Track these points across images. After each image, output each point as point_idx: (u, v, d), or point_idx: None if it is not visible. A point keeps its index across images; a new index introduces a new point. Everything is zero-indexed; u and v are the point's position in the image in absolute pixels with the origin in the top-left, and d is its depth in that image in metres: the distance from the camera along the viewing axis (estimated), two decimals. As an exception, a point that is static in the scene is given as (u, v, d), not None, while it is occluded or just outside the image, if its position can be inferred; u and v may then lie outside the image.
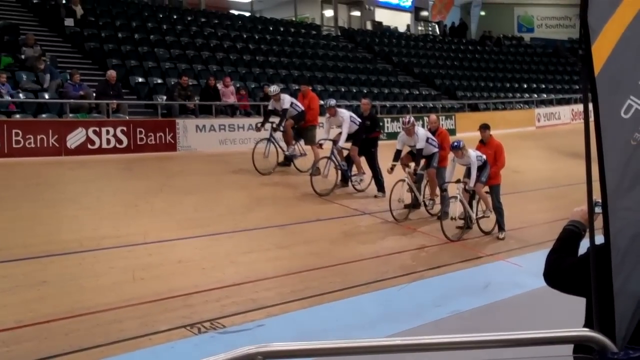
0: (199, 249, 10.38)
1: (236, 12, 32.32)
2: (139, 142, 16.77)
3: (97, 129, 16.34)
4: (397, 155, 13.39)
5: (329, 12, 37.00)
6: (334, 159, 14.59)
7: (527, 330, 2.92)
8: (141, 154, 15.04)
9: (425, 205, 13.75)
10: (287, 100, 15.66)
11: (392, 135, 22.69)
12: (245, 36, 26.61)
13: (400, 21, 38.56)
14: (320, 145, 14.86)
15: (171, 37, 23.73)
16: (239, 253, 10.28)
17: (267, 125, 15.67)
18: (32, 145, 15.34)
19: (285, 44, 27.60)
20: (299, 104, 16.01)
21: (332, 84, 25.43)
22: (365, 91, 25.38)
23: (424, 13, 40.96)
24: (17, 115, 16.11)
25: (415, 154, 13.56)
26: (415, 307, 8.94)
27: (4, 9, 21.15)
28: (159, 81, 20.39)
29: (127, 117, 17.62)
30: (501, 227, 12.76)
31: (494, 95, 30.72)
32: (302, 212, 12.84)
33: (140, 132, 16.87)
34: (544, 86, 33.80)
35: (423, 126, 16.83)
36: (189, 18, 26.40)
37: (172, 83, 19.88)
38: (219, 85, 20.00)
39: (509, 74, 34.22)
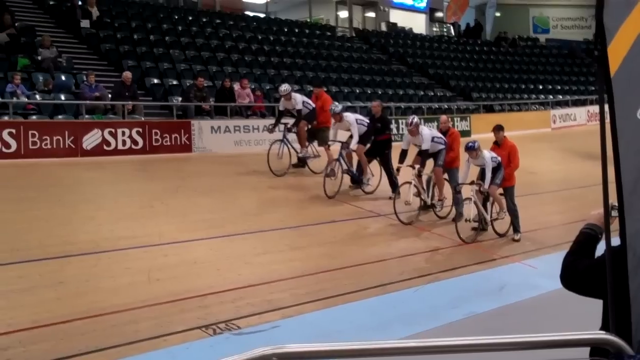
0: (214, 250, 10.41)
1: (251, 14, 32.35)
2: (154, 144, 16.84)
3: (113, 130, 16.42)
4: (403, 156, 13.28)
5: (343, 14, 36.95)
6: (342, 161, 14.45)
7: (543, 333, 2.91)
8: (157, 155, 15.12)
9: (434, 207, 13.59)
10: (299, 99, 15.56)
11: (407, 137, 22.73)
12: (260, 37, 26.66)
13: (415, 22, 38.48)
14: (329, 147, 14.73)
15: (186, 38, 23.80)
16: (253, 254, 10.30)
17: (281, 127, 15.60)
18: (48, 146, 15.44)
19: (299, 45, 27.62)
20: (310, 102, 15.90)
21: (346, 85, 25.43)
22: (379, 92, 25.39)
23: (439, 14, 40.85)
24: (34, 117, 16.21)
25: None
26: (430, 309, 8.93)
27: (20, 10, 21.27)
28: (175, 82, 20.46)
29: (143, 119, 17.69)
30: (516, 229, 12.69)
31: (509, 97, 30.61)
32: (316, 214, 12.84)
33: (156, 134, 16.95)
34: (559, 87, 33.66)
35: (438, 128, 16.40)
36: (204, 19, 26.47)
37: (188, 84, 19.93)
38: (235, 87, 20.04)
39: (525, 75, 34.10)
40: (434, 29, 40.30)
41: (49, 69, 17.84)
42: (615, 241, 2.89)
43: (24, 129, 15.28)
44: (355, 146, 14.30)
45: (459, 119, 25.19)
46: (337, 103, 15.78)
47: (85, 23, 21.40)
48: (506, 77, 32.94)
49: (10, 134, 15.04)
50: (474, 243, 12.24)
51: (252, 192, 13.53)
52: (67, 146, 15.66)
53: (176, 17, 25.45)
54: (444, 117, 15.28)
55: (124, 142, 16.52)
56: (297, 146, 15.79)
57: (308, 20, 34.37)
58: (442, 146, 13.41)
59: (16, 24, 19.35)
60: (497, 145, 13.00)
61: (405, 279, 9.74)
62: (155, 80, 20.21)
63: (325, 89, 18.39)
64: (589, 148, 21.27)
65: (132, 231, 10.74)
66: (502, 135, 13.05)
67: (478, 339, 3.01)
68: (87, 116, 16.82)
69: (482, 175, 12.49)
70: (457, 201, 12.93)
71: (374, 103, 16.30)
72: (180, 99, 19.30)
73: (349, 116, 14.69)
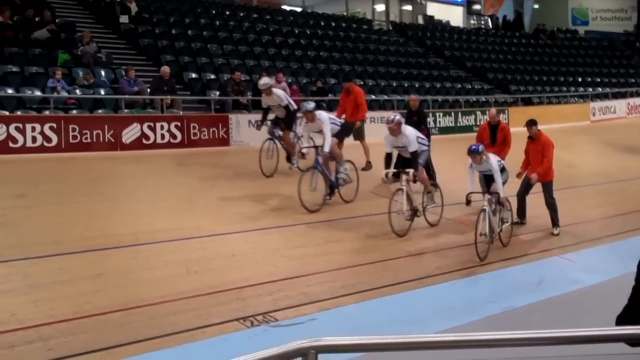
0: (251, 242, 10.47)
1: (288, 8, 32.40)
2: (192, 137, 16.97)
3: (152, 124, 16.58)
4: (388, 160, 11.94)
5: (380, 7, 36.85)
6: (319, 168, 12.74)
7: (582, 328, 2.89)
8: (194, 149, 15.24)
9: (424, 212, 12.29)
10: (282, 95, 14.48)
11: (444, 130, 22.65)
12: (297, 31, 26.72)
13: (452, 15, 38.27)
14: (303, 155, 13.03)
15: (224, 33, 23.94)
16: (290, 247, 10.34)
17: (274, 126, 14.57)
18: (88, 140, 15.64)
19: (336, 39, 27.61)
20: (291, 101, 14.63)
21: (383, 78, 25.39)
22: (416, 86, 25.31)
23: (476, 6, 40.56)
24: (74, 111, 16.43)
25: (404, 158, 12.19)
26: (467, 303, 8.90)
27: (61, 7, 21.58)
28: (212, 77, 20.59)
29: (181, 113, 17.83)
30: (555, 223, 12.51)
31: (548, 89, 30.31)
32: (352, 208, 12.84)
33: (194, 128, 17.08)
34: (599, 80, 33.23)
35: (486, 121, 15.86)
36: (242, 14, 26.59)
37: (225, 78, 20.04)
38: (272, 81, 20.09)
39: (563, 67, 33.74)
40: (472, 21, 40.03)
41: (88, 64, 18.06)
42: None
43: (65, 123, 15.49)
44: (328, 148, 12.64)
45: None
46: (309, 102, 13.76)
47: (124, 18, 21.64)
48: (545, 70, 32.61)
49: (51, 128, 15.26)
50: (510, 237, 12.12)
51: (287, 185, 13.56)
52: (106, 140, 15.85)
53: (214, 12, 25.60)
54: (493, 111, 14.83)
55: (162, 136, 16.67)
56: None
57: (345, 13, 34.33)
58: (425, 147, 12.28)
59: (56, 20, 19.62)
60: (532, 140, 12.70)
61: (441, 273, 9.71)
62: (193, 75, 20.35)
63: (354, 82, 17.85)
64: (629, 141, 21.14)
65: (170, 224, 10.84)
66: (536, 129, 12.71)
67: (516, 334, 2.99)
68: (126, 110, 17.01)
69: (487, 182, 11.69)
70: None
71: (411, 96, 16.04)
72: (217, 93, 19.42)
73: (322, 115, 13.12)
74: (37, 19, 18.76)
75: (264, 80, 14.67)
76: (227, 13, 26.15)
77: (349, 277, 9.42)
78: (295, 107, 14.48)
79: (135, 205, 11.64)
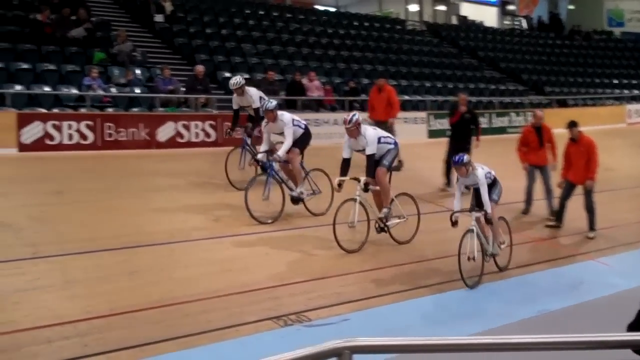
0: (285, 242, 10.49)
1: (321, 8, 32.50)
2: (225, 136, 17.05)
3: (186, 122, 16.74)
4: (345, 167, 10.50)
5: (413, 7, 36.78)
6: (274, 175, 11.54)
7: (617, 333, 2.88)
8: (229, 147, 15.25)
9: (383, 226, 10.80)
10: (254, 94, 13.18)
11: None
12: (330, 31, 26.75)
13: (486, 15, 38.07)
14: (257, 162, 12.05)
15: (257, 32, 24.06)
16: (323, 247, 10.32)
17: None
18: (124, 138, 15.84)
19: (369, 39, 27.62)
20: (266, 98, 13.08)
21: (417, 79, 25.34)
22: (450, 86, 25.26)
23: (511, 7, 40.30)
24: (110, 109, 16.62)
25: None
26: (501, 305, 8.85)
27: (97, 6, 21.84)
28: (246, 76, 20.63)
29: (215, 112, 17.94)
30: (592, 227, 12.30)
31: (584, 91, 30.03)
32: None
33: (228, 126, 17.14)
34: (635, 82, 32.85)
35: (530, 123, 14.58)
36: (275, 14, 26.71)
37: (259, 78, 20.12)
38: (304, 80, 20.16)
39: (599, 69, 33.44)
40: (506, 22, 39.78)
41: (124, 62, 18.24)
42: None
43: (101, 121, 15.70)
44: (285, 155, 11.47)
45: (530, 114, 24.80)
46: (271, 100, 12.38)
47: (159, 18, 21.82)
48: (580, 71, 32.34)
49: (87, 126, 15.48)
50: (546, 240, 12.03)
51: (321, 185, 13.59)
52: (142, 138, 16.04)
53: (247, 12, 25.74)
54: (539, 112, 13.89)
55: (196, 135, 16.84)
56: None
57: (378, 13, 34.31)
58: (391, 146, 10.90)
59: (92, 19, 19.84)
60: (574, 142, 12.38)
61: (474, 275, 9.64)
62: (227, 74, 20.44)
63: (386, 80, 17.75)
64: (667, 144, 20.72)
65: (204, 222, 10.92)
66: (577, 130, 12.39)
67: (550, 337, 2.99)
68: (161, 109, 17.17)
69: (476, 197, 10.07)
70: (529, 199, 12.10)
71: (461, 95, 15.31)
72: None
73: (285, 116, 11.86)
74: (73, 17, 18.99)
75: (236, 79, 13.24)
76: (261, 13, 26.28)
77: (382, 278, 9.40)
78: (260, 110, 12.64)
79: (170, 203, 11.73)
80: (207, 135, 16.96)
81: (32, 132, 15.01)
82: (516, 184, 13.18)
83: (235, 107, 13.47)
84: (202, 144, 16.72)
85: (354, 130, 10.44)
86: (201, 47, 21.47)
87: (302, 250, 10.20)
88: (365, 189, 10.36)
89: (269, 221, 11.23)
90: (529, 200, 13.44)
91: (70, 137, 15.34)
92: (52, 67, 17.17)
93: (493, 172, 10.12)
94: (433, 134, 21.74)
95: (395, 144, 10.99)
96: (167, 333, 7.26)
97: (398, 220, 10.92)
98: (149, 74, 18.61)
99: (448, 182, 14.55)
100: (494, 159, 13.38)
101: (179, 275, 8.91)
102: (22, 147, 14.92)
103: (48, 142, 15.17)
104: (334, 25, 27.81)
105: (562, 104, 27.83)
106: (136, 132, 16.04)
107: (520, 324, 7.98)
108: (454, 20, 36.74)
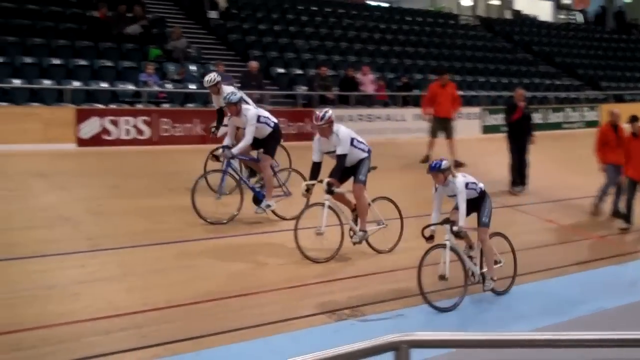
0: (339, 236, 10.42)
1: (374, 3, 32.42)
2: (211, 135, 17.13)
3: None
4: (315, 169, 9.61)
5: (466, 1, 36.47)
6: (231, 171, 10.71)
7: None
8: (283, 143, 15.32)
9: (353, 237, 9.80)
10: (228, 91, 11.33)
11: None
12: (382, 27, 26.68)
13: (540, 9, 37.58)
14: (217, 158, 10.95)
15: (310, 28, 24.12)
16: (376, 242, 10.26)
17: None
18: (180, 133, 16.04)
19: (422, 34, 27.47)
20: (248, 99, 12.06)
21: (470, 74, 25.15)
22: (504, 81, 24.99)
23: (566, 1, 39.70)
24: (166, 105, 16.84)
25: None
26: (558, 303, 8.72)
27: (152, 3, 22.10)
28: (299, 72, 20.76)
29: (269, 107, 18.04)
30: None
31: (641, 86, 29.46)
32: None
33: (282, 122, 17.24)
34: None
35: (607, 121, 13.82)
36: (328, 9, 26.72)
37: (311, 74, 20.18)
38: (358, 75, 20.18)
39: (657, 63, 32.73)
40: (560, 16, 39.21)
41: (179, 59, 18.45)
42: None
43: (157, 116, 15.94)
44: (238, 151, 10.50)
45: (587, 109, 24.45)
46: (235, 90, 11.40)
47: (213, 14, 22.01)
48: (637, 66, 31.68)
49: (144, 121, 15.73)
50: (604, 238, 11.80)
51: (380, 180, 13.54)
52: (197, 133, 16.19)
53: (300, 8, 25.81)
54: (617, 111, 13.24)
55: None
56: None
57: (430, 8, 34.10)
58: (365, 154, 9.76)
59: (148, 16, 20.11)
60: (635, 136, 12.10)
61: (532, 272, 9.53)
62: (280, 70, 20.56)
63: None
64: None
65: (258, 216, 10.94)
66: (639, 125, 12.09)
67: (608, 334, 2.95)
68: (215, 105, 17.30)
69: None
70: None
71: (518, 91, 14.88)
72: (304, 88, 19.58)
73: (250, 111, 10.71)
74: (129, 14, 19.26)
75: (209, 77, 12.13)
76: (314, 9, 26.32)
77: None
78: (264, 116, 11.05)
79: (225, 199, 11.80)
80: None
81: (90, 127, 15.30)
82: (580, 179, 12.94)
83: (215, 106, 12.32)
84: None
85: (326, 129, 9.42)
86: (254, 43, 21.61)
87: (357, 245, 10.05)
88: (329, 190, 9.31)
89: (224, 221, 10.47)
90: (602, 198, 13.01)
91: (127, 132, 15.62)
92: (109, 63, 17.47)
93: (481, 185, 8.72)
94: (487, 129, 21.54)
95: (369, 151, 9.85)
96: (221, 326, 7.30)
97: (377, 227, 9.97)
98: (203, 70, 18.77)
99: (519, 183, 14.23)
100: (557, 154, 13.20)
101: (235, 269, 9.01)
102: (81, 142, 15.23)
103: (105, 137, 15.46)
104: (386, 21, 27.74)
105: (619, 99, 27.30)
106: (191, 127, 16.24)
107: (578, 321, 7.87)
108: (508, 15, 36.30)
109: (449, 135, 15.68)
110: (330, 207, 9.43)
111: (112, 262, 8.87)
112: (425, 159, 15.17)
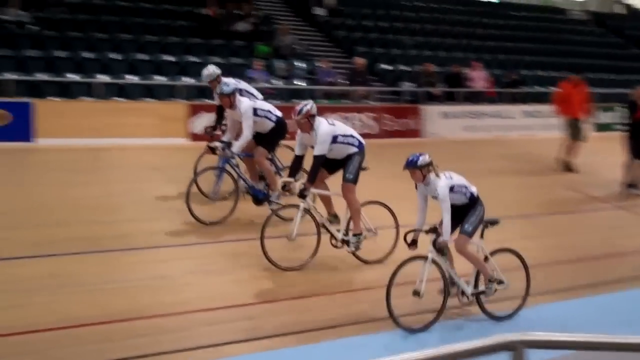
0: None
1: (480, -2, 31.99)
2: (385, 128, 17.19)
3: (346, 114, 16.95)
4: (296, 163, 8.99)
5: (575, -4, 35.56)
6: (229, 169, 10.17)
7: None
8: (388, 140, 15.41)
9: (347, 245, 8.96)
10: (231, 85, 10.21)
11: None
12: (489, 22, 26.31)
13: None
14: (213, 151, 10.22)
15: (416, 24, 24.02)
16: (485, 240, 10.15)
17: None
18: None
19: (529, 30, 26.97)
20: (253, 91, 11.62)
21: (579, 71, 24.39)
22: (615, 78, 24.26)
23: (682, -6, 38.14)
24: (273, 101, 17.06)
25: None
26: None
27: (260, 0, 22.48)
28: (404, 68, 20.71)
29: (374, 104, 18.10)
30: None
31: None
32: (551, 203, 12.48)
33: (387, 118, 17.30)
34: None
35: None
36: (433, 5, 26.57)
37: (417, 70, 20.11)
38: (467, 70, 20.02)
39: None
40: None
41: (286, 55, 18.71)
42: None
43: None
44: (238, 149, 9.89)
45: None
46: (228, 81, 10.47)
47: (319, 11, 22.22)
48: None
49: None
50: None
51: (483, 178, 13.39)
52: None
53: (406, 5, 25.72)
54: None
55: (354, 126, 17.00)
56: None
57: (538, 3, 33.38)
58: (355, 149, 8.94)
59: (256, 13, 20.47)
60: None
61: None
62: (386, 66, 20.56)
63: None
64: None
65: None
66: None
67: None
68: (324, 101, 17.48)
69: (458, 216, 7.51)
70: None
71: (639, 89, 13.95)
72: (410, 84, 19.53)
73: (244, 103, 9.92)
74: (238, 12, 19.65)
75: (208, 70, 11.22)
76: (420, 5, 26.19)
77: (547, 275, 9.10)
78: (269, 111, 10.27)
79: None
80: (367, 126, 17.13)
81: (202, 122, 15.66)
82: None
83: (216, 102, 11.12)
84: (363, 136, 16.65)
85: (304, 124, 8.62)
86: (360, 39, 21.70)
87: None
88: (301, 195, 8.59)
89: (218, 220, 10.03)
90: None
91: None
92: (219, 60, 17.83)
93: (473, 189, 7.61)
94: (599, 127, 20.96)
95: (360, 145, 8.98)
96: (330, 321, 7.31)
97: (368, 234, 9.11)
98: (310, 66, 18.98)
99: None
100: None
101: (348, 264, 8.98)
102: (192, 137, 15.64)
103: (217, 132, 15.72)
104: (492, 16, 27.36)
105: None
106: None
107: None
108: (619, 9, 35.15)
109: (575, 136, 15.21)
110: (306, 210, 8.74)
111: (220, 255, 9.08)
112: (567, 167, 14.87)
